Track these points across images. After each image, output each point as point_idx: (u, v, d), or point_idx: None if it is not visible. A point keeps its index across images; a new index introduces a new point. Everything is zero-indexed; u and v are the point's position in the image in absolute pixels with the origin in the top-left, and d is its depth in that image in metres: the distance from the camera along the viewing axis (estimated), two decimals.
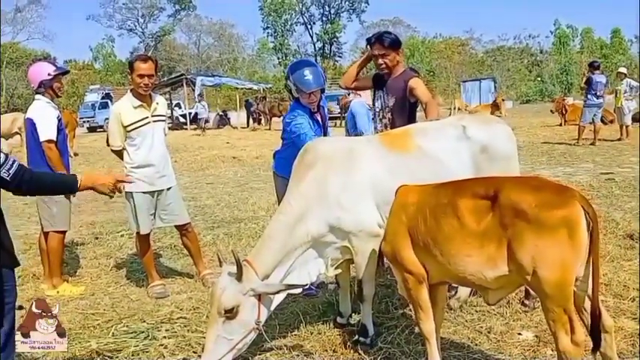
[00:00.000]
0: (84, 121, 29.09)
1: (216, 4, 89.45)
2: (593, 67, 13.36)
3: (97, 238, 6.57)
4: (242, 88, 35.93)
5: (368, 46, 4.48)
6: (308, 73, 3.97)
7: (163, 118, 4.77)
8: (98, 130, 31.57)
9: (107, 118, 27.44)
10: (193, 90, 31.25)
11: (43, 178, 2.45)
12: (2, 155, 2.31)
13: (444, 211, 2.61)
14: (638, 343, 3.27)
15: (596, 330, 2.50)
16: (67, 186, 2.55)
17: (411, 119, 4.33)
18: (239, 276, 2.96)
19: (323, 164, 3.30)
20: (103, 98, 35.69)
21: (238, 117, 31.57)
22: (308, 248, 3.27)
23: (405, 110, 4.31)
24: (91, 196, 9.84)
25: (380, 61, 4.35)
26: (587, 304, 2.56)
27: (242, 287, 2.98)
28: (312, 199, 3.23)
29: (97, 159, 16.63)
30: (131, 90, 4.60)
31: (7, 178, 2.26)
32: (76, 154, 17.36)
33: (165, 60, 50.90)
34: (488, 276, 2.50)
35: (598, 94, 12.90)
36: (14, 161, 2.32)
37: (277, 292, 3.09)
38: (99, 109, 34.64)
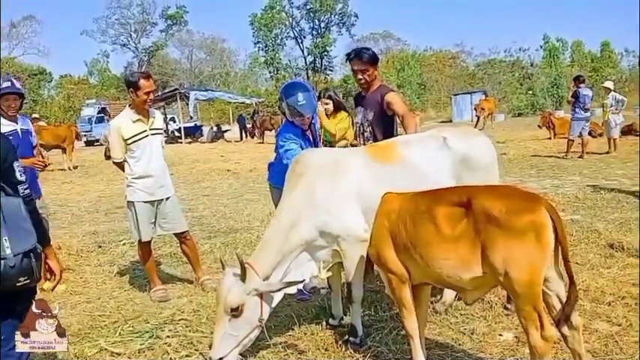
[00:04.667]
0: (84, 134, 29.05)
1: (207, 19, 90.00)
2: (578, 80, 13.53)
3: (100, 247, 6.78)
4: (235, 103, 36.10)
5: (348, 62, 4.70)
6: (302, 99, 4.10)
7: (160, 131, 4.99)
8: (95, 144, 31.75)
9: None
10: (187, 104, 31.50)
11: (36, 215, 2.61)
12: (24, 176, 2.59)
13: (422, 218, 2.81)
14: (611, 344, 3.50)
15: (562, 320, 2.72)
16: (42, 237, 2.65)
17: (391, 131, 4.57)
18: (243, 277, 3.21)
19: (312, 173, 3.52)
20: (99, 112, 35.85)
21: (231, 131, 31.79)
22: (302, 252, 3.50)
23: (384, 123, 4.55)
24: (92, 207, 10.14)
25: (360, 76, 4.58)
26: (557, 302, 2.76)
27: (246, 287, 3.22)
28: (303, 205, 3.46)
29: (96, 172, 16.81)
30: (129, 105, 4.82)
31: (20, 195, 2.52)
32: (75, 167, 17.58)
33: (158, 74, 51.06)
34: (464, 277, 2.70)
35: (586, 107, 13.11)
36: (28, 188, 2.59)
37: (278, 290, 3.33)
38: (95, 123, 34.83)
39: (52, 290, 2.94)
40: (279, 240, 3.42)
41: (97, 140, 32.77)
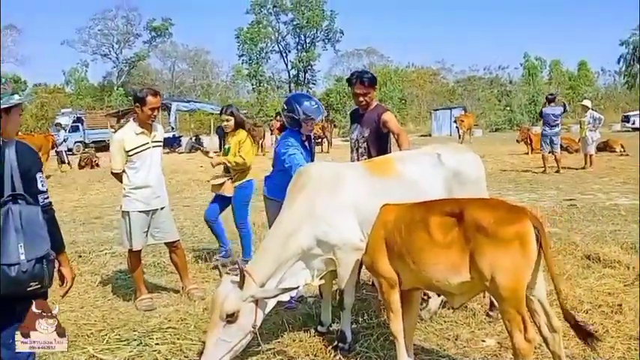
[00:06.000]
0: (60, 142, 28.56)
1: (192, 31, 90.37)
2: (547, 99, 14.22)
3: (80, 257, 6.71)
4: (216, 114, 36.01)
5: (349, 85, 4.93)
6: (314, 104, 4.40)
7: (161, 143, 5.08)
8: (67, 152, 31.35)
9: (77, 142, 26.79)
10: (168, 115, 31.33)
11: (53, 223, 2.72)
12: (46, 186, 2.72)
13: (417, 226, 2.98)
14: (588, 349, 3.63)
15: (580, 330, 2.95)
16: (57, 245, 2.74)
17: (385, 147, 4.79)
18: (241, 284, 3.29)
19: (313, 186, 3.67)
20: (74, 122, 35.47)
21: (211, 141, 31.70)
22: (297, 260, 3.61)
23: (379, 140, 4.78)
24: (68, 217, 10.03)
25: (361, 99, 4.83)
26: (538, 306, 2.93)
27: (243, 294, 3.30)
28: (303, 216, 3.59)
29: (69, 181, 16.63)
30: (133, 118, 4.91)
31: (40, 204, 2.64)
32: (47, 177, 17.27)
33: (138, 85, 50.67)
34: (452, 282, 2.86)
35: (551, 124, 13.57)
36: (48, 197, 2.74)
37: (273, 296, 3.42)
38: (69, 132, 34.47)
39: (63, 297, 2.98)
40: (277, 248, 3.53)
41: (70, 149, 32.49)
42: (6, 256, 2.45)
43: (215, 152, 6.32)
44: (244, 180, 6.01)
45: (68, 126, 34.71)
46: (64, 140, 23.03)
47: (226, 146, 6.15)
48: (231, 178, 5.99)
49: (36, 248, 2.51)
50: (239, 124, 6.00)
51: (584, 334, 2.97)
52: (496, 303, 3.16)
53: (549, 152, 13.79)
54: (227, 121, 6.00)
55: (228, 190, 5.96)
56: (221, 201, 6.12)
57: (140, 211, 4.85)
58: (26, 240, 2.49)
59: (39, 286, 2.54)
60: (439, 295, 3.75)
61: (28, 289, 2.51)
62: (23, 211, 2.52)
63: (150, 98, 4.76)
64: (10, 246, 2.46)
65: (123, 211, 4.90)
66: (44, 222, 2.59)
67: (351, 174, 3.81)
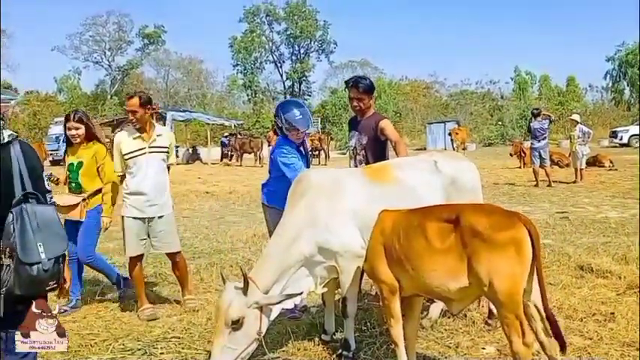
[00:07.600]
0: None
1: (185, 39, 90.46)
2: (533, 114, 14.60)
3: None
4: (212, 124, 36.10)
5: (346, 89, 4.99)
6: (299, 114, 4.37)
7: (162, 149, 4.96)
8: (61, 163, 31.13)
9: None
10: (163, 124, 31.27)
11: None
12: (49, 186, 2.74)
13: (415, 232, 3.04)
14: (584, 356, 3.77)
15: (559, 333, 3.00)
16: None
17: (383, 155, 4.84)
18: (245, 290, 3.32)
19: (314, 192, 3.72)
20: None
21: (209, 152, 31.71)
22: (300, 267, 3.65)
23: (377, 147, 4.84)
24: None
25: (355, 103, 4.90)
26: (535, 312, 3.02)
27: (247, 300, 3.34)
28: (304, 222, 3.64)
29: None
30: (132, 122, 4.95)
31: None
32: None
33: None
34: (451, 287, 2.93)
35: (539, 138, 13.91)
36: (52, 197, 2.74)
37: (278, 303, 3.46)
38: (63, 142, 34.15)
39: (59, 298, 3.01)
40: (280, 255, 3.58)
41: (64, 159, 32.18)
42: (27, 255, 2.43)
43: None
44: (98, 204, 5.10)
45: (62, 136, 34.58)
46: None
47: (72, 162, 5.18)
48: (85, 199, 5.10)
49: (55, 247, 2.50)
50: (92, 135, 5.15)
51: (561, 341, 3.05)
52: (494, 310, 3.25)
53: (539, 166, 14.06)
54: (75, 129, 5.04)
55: (81, 214, 5.06)
56: (72, 227, 5.00)
57: (135, 218, 4.84)
58: (44, 239, 2.48)
59: (56, 285, 2.55)
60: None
61: (47, 288, 2.51)
62: (37, 210, 2.50)
63: (127, 101, 4.88)
64: (30, 245, 2.43)
65: (121, 216, 4.91)
66: (59, 221, 2.59)
67: (350, 180, 3.85)
